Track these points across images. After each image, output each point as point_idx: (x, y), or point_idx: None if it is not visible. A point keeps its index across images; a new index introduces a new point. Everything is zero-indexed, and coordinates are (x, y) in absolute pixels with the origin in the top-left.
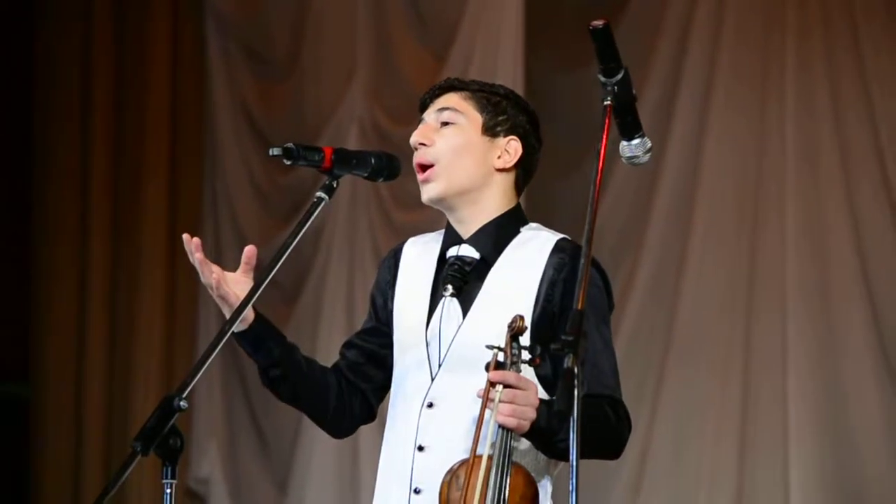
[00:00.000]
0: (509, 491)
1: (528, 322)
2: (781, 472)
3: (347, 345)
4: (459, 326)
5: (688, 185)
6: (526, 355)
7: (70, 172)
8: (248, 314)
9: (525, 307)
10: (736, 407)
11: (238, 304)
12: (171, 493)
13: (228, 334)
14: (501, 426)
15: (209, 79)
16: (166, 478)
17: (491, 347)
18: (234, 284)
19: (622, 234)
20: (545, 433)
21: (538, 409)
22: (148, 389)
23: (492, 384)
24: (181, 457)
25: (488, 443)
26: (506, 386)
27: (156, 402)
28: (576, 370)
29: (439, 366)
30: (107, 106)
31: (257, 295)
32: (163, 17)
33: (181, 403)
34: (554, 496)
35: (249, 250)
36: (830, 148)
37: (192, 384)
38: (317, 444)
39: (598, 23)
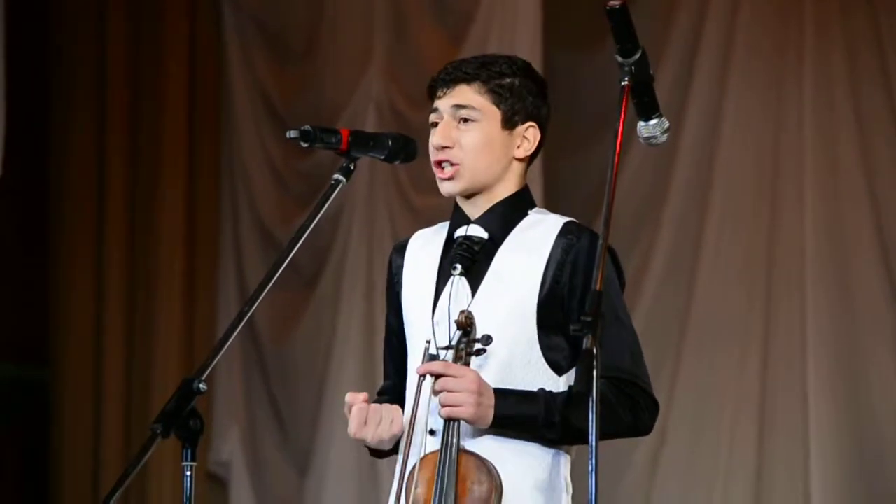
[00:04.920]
0: (459, 478)
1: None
2: (801, 450)
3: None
4: (468, 305)
5: (705, 164)
6: (477, 346)
7: (87, 156)
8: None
9: (532, 288)
10: (754, 385)
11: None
12: (190, 476)
13: (248, 316)
14: (444, 418)
15: (226, 63)
16: (186, 460)
17: (427, 343)
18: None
19: (639, 214)
20: (518, 421)
21: (501, 397)
22: (167, 372)
23: (422, 378)
24: (201, 439)
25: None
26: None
27: (175, 385)
28: (595, 351)
29: (448, 345)
30: (124, 90)
31: (276, 277)
32: (180, 2)
33: (200, 386)
34: (572, 476)
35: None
36: (848, 124)
37: (211, 367)
38: (336, 428)
39: (615, 3)
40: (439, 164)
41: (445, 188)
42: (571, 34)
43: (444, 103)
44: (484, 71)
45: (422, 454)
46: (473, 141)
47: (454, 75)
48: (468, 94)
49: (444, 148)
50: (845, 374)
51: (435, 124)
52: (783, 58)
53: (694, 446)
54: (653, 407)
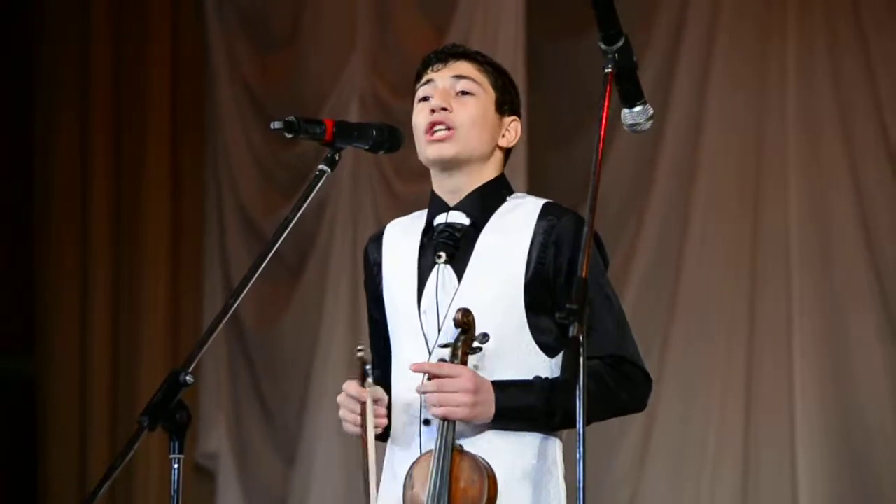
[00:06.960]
0: (453, 479)
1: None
2: (787, 432)
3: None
4: (455, 292)
5: (690, 151)
6: (475, 345)
7: (72, 147)
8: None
9: (517, 269)
10: (741, 368)
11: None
12: (178, 468)
13: (233, 309)
14: (438, 418)
15: (209, 53)
16: (173, 452)
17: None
18: None
19: (625, 201)
20: (519, 412)
21: (500, 390)
22: (153, 365)
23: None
24: (188, 431)
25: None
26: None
27: (161, 377)
28: (581, 338)
29: (438, 332)
30: (107, 82)
31: (261, 269)
32: None
33: (187, 378)
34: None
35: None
36: (831, 112)
37: (198, 358)
38: (323, 418)
39: None
40: (432, 128)
41: (436, 150)
42: (554, 22)
43: (442, 74)
44: (481, 56)
45: (416, 446)
46: (471, 111)
47: (455, 51)
48: (470, 68)
49: (442, 110)
50: (831, 355)
51: (425, 98)
52: (766, 45)
53: (682, 431)
54: (646, 382)
